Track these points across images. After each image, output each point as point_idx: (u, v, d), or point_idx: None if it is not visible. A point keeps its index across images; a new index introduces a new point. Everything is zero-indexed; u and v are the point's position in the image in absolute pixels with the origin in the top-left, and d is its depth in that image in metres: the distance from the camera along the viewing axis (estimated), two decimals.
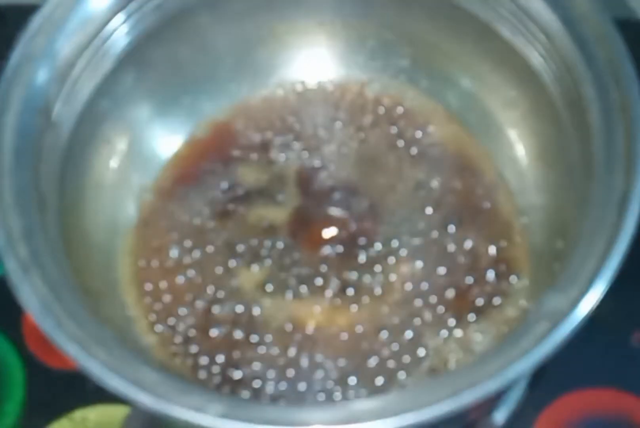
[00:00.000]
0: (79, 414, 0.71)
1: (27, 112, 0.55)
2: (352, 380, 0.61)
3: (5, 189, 0.52)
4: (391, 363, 0.61)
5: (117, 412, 0.69)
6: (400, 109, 0.72)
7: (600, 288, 0.47)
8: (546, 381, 0.68)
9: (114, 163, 0.67)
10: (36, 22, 0.57)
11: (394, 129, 0.71)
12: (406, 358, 0.61)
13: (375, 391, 0.60)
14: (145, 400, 0.44)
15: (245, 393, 0.61)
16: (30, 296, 0.48)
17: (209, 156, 0.72)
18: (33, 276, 0.49)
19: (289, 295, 0.65)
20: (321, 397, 0.60)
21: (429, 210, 0.67)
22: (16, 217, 0.51)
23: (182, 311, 0.65)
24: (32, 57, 0.56)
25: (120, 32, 0.62)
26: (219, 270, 0.66)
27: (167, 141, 0.72)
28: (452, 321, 0.63)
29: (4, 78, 0.55)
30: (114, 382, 0.45)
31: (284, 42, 0.73)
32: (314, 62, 0.75)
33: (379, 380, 0.61)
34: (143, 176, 0.70)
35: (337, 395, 0.60)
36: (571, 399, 0.70)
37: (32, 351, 0.74)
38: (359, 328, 0.63)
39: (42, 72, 0.56)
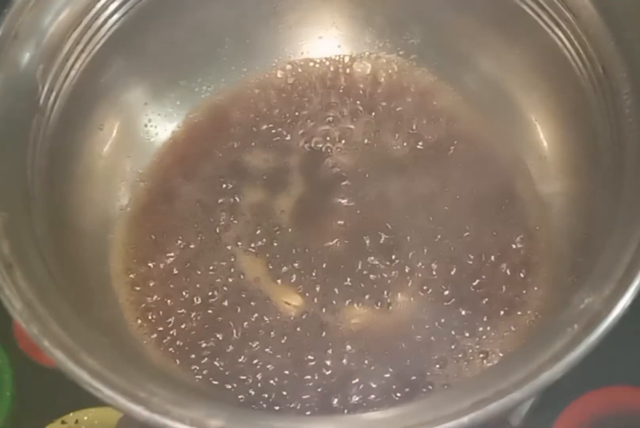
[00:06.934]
0: (72, 417, 0.68)
1: (12, 96, 0.52)
2: (370, 387, 0.57)
3: None
4: (407, 368, 0.58)
5: (111, 415, 0.66)
6: (411, 90, 0.68)
7: (636, 285, 0.43)
8: (564, 382, 0.66)
9: (105, 149, 0.64)
10: None
11: (403, 112, 0.67)
12: (422, 363, 0.58)
13: (393, 399, 0.57)
14: (141, 412, 0.41)
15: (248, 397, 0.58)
16: (14, 299, 0.44)
17: (206, 140, 0.68)
18: (17, 277, 0.45)
19: (293, 286, 0.61)
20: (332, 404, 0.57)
21: (441, 198, 0.63)
22: None
23: (178, 305, 0.61)
24: (17, 36, 0.52)
25: (110, 10, 0.58)
26: (218, 261, 0.63)
27: (162, 125, 0.68)
28: (474, 319, 0.59)
29: None
30: (107, 392, 0.41)
31: (285, 20, 0.70)
32: (317, 42, 0.71)
33: (397, 387, 0.57)
34: (136, 162, 0.66)
35: (351, 401, 0.57)
36: (589, 398, 0.68)
37: (22, 349, 0.71)
38: (369, 324, 0.60)
39: (28, 52, 0.53)
